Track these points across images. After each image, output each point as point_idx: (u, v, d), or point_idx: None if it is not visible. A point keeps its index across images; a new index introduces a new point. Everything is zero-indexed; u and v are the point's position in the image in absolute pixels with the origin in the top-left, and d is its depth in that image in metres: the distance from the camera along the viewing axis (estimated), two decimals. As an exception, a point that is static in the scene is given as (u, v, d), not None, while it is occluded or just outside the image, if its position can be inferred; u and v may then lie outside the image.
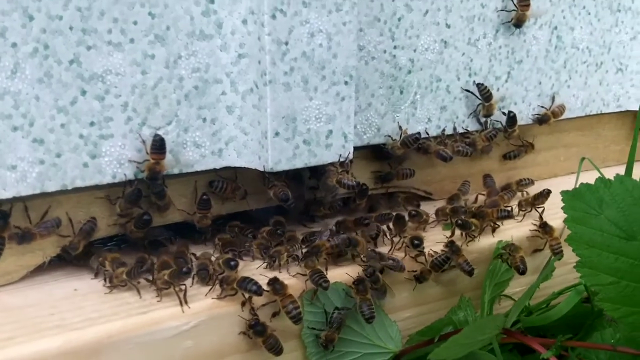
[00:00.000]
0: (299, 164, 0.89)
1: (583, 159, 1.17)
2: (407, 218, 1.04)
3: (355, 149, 0.96)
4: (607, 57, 1.30)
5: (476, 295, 1.01)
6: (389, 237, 1.01)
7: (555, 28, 1.22)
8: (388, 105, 1.04)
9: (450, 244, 0.95)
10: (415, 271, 0.94)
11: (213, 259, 0.86)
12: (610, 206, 0.77)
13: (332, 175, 0.95)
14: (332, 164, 0.93)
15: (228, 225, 0.98)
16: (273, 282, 0.82)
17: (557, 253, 1.06)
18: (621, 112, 1.37)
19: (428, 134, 1.11)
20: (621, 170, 1.11)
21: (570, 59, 1.25)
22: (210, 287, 0.84)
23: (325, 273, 0.84)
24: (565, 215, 0.81)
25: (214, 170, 0.93)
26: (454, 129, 1.13)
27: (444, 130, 1.10)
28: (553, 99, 1.25)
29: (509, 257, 1.01)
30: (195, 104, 0.89)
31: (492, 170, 1.22)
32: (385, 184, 1.11)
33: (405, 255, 0.97)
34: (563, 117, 1.26)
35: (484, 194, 1.19)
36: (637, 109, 1.33)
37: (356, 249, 0.91)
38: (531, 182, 1.23)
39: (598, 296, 0.77)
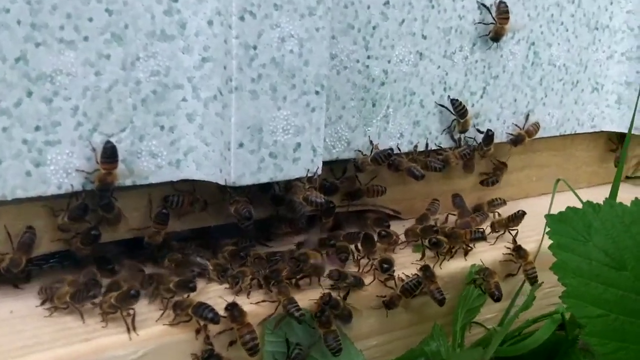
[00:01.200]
0: (263, 178, 0.82)
1: (558, 180, 1.13)
2: (376, 238, 0.98)
3: (324, 163, 0.89)
4: (583, 75, 1.26)
5: (447, 322, 0.95)
6: (356, 258, 0.94)
7: (533, 44, 1.17)
8: (359, 118, 0.98)
9: (425, 269, 0.89)
10: (384, 296, 0.87)
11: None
12: (599, 232, 0.72)
13: (299, 191, 0.88)
14: (299, 179, 0.86)
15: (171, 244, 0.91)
16: (232, 307, 0.75)
17: (532, 279, 1.01)
18: (595, 132, 1.33)
19: (400, 150, 1.05)
20: (592, 192, 1.07)
21: (546, 76, 1.21)
22: (161, 312, 0.76)
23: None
24: (550, 241, 0.76)
25: (171, 182, 0.85)
26: (427, 145, 1.06)
27: (416, 146, 1.04)
28: (527, 117, 1.20)
29: (483, 283, 0.96)
30: (152, 110, 0.82)
31: (464, 190, 1.16)
32: (354, 200, 1.04)
33: (374, 279, 0.90)
34: (537, 136, 1.21)
35: (454, 214, 1.13)
36: (611, 130, 1.30)
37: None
38: (503, 202, 1.18)
39: (585, 329, 0.71)
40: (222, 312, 0.75)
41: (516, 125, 1.19)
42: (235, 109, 0.78)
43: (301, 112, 0.83)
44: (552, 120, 1.25)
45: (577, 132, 1.28)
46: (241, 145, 0.79)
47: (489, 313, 1.00)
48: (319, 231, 1.01)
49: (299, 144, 0.84)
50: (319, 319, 0.79)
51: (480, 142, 1.13)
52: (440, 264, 0.95)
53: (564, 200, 0.94)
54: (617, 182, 1.02)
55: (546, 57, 1.19)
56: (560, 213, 0.75)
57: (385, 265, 0.90)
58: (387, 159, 1.01)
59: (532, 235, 1.08)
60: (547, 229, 0.74)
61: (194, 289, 0.77)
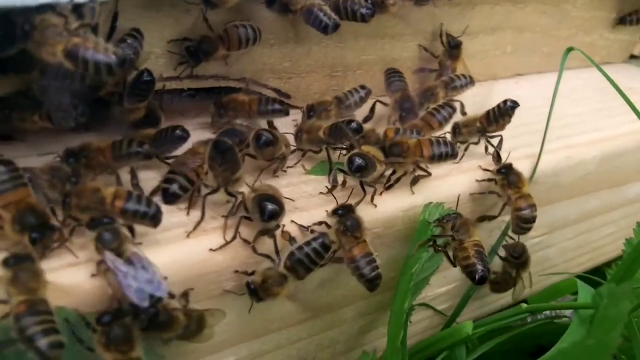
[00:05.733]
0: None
1: (569, 49, 0.64)
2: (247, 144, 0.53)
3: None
4: None
5: (369, 305, 0.56)
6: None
7: None
8: None
9: (343, 214, 0.49)
10: (251, 274, 0.47)
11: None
12: None
13: (52, 36, 0.44)
14: (52, 6, 0.44)
15: None
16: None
17: (524, 228, 0.59)
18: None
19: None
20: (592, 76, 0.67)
21: None
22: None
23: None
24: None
25: None
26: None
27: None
28: None
29: (451, 246, 0.53)
30: None
31: (400, 60, 0.69)
32: (197, 63, 0.57)
33: (234, 238, 0.46)
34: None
35: (385, 104, 0.66)
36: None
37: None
38: (470, 81, 0.68)
39: None
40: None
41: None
42: None
43: None
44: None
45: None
46: None
47: (444, 284, 0.62)
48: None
49: None
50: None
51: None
52: (372, 200, 0.54)
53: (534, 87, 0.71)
54: None
55: None
56: None
57: (268, 208, 0.45)
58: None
59: (519, 146, 0.65)
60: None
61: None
